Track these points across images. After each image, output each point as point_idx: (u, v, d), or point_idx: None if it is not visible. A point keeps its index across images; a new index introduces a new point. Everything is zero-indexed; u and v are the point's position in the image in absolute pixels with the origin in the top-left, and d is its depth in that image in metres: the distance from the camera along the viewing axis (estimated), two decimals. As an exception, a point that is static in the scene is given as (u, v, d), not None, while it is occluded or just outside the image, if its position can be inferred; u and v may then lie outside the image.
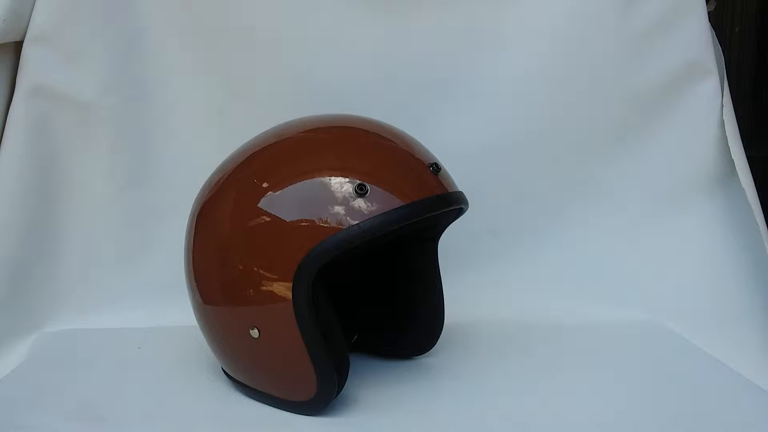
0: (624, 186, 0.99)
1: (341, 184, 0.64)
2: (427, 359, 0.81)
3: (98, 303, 0.92)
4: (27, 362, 0.81)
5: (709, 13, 0.97)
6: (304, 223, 0.63)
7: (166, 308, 0.92)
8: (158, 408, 0.70)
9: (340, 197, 0.63)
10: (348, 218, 0.62)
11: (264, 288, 0.64)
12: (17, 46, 0.89)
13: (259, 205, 0.65)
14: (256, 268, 0.64)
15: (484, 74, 0.97)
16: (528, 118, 0.97)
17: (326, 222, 0.63)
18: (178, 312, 0.91)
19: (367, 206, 0.63)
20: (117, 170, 0.94)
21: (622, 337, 0.88)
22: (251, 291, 0.65)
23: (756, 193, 0.94)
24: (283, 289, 0.63)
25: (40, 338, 0.87)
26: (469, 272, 0.96)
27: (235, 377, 0.73)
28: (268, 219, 0.65)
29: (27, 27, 0.88)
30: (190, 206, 0.96)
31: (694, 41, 0.95)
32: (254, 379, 0.70)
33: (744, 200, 0.93)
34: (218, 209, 0.69)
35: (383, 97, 0.94)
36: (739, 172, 0.94)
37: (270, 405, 0.69)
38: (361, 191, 0.63)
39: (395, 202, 0.64)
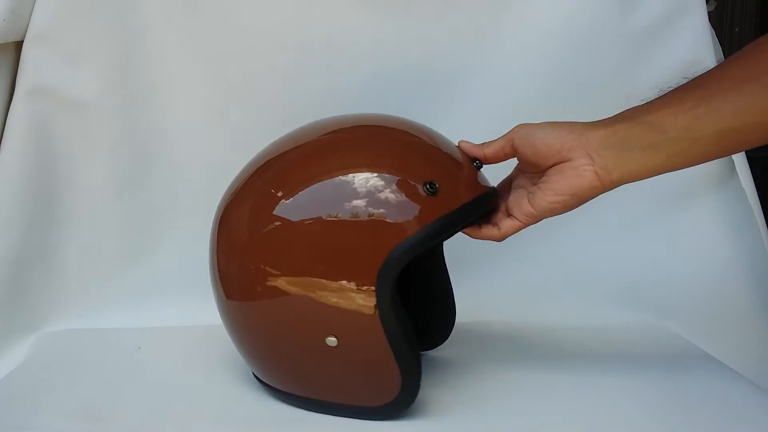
0: (623, 186, 0.99)
1: (410, 183, 0.63)
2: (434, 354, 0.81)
3: (98, 303, 0.92)
4: (27, 362, 0.81)
5: (709, 13, 0.97)
6: (379, 225, 0.62)
7: (167, 308, 0.92)
8: (158, 408, 0.70)
9: (413, 196, 0.62)
10: (425, 216, 0.62)
11: (344, 294, 0.61)
12: (17, 46, 0.89)
13: (332, 211, 0.63)
14: (334, 275, 0.62)
15: (484, 74, 0.97)
16: (528, 118, 0.97)
17: (402, 221, 0.62)
18: (179, 312, 0.92)
19: (439, 204, 0.63)
20: (117, 170, 0.94)
21: (622, 337, 0.88)
22: (332, 298, 0.62)
23: (756, 193, 0.94)
24: (365, 292, 0.61)
25: (40, 338, 0.87)
26: (470, 273, 0.96)
27: (286, 389, 0.69)
28: (341, 223, 0.62)
29: (27, 27, 0.88)
30: (190, 206, 0.97)
31: (694, 41, 0.95)
32: (320, 389, 0.67)
33: (744, 200, 0.93)
34: (301, 214, 0.64)
35: (383, 97, 0.95)
36: (739, 172, 0.94)
37: (336, 414, 0.67)
38: (431, 189, 0.63)
39: (462, 199, 0.64)
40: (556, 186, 0.64)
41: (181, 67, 0.95)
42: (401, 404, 0.65)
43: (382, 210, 0.62)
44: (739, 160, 0.94)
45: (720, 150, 0.62)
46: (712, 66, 0.89)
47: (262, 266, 0.64)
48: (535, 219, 0.67)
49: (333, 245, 0.62)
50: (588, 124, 0.65)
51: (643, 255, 0.98)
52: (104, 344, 0.86)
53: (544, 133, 0.65)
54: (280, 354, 0.67)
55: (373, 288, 0.60)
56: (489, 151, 0.70)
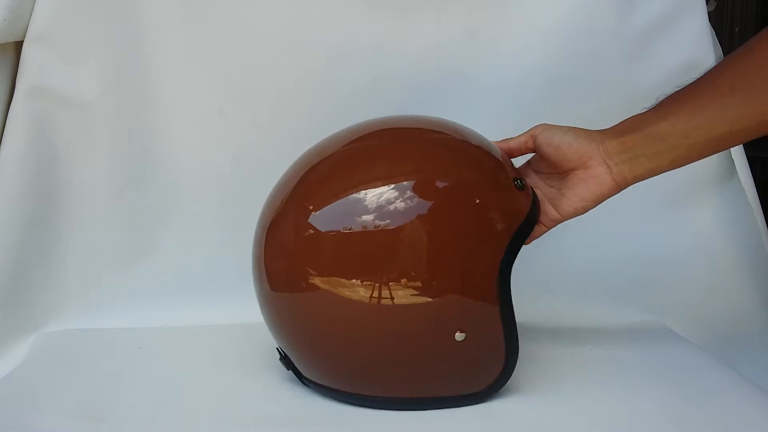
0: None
1: (509, 180, 0.68)
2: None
3: (98, 303, 0.92)
4: (27, 362, 0.81)
5: (709, 13, 0.97)
6: (495, 219, 0.66)
7: (167, 308, 0.92)
8: (158, 408, 0.70)
9: (514, 191, 0.68)
10: (524, 208, 0.68)
11: (470, 288, 0.65)
12: (17, 46, 0.89)
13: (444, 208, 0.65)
14: (458, 272, 0.64)
15: (484, 74, 0.97)
16: (528, 118, 0.96)
17: (513, 213, 0.67)
18: (179, 312, 0.92)
19: (526, 197, 0.69)
20: (117, 170, 0.94)
21: (622, 337, 0.88)
22: (459, 294, 0.65)
23: (756, 193, 0.94)
24: (488, 283, 0.65)
25: (40, 338, 0.87)
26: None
27: (350, 389, 0.69)
28: (460, 218, 0.65)
29: (27, 27, 0.88)
30: (190, 206, 0.97)
31: (694, 41, 0.95)
32: (416, 386, 0.68)
33: (744, 200, 0.93)
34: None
35: (383, 97, 0.95)
36: (739, 172, 0.94)
37: (429, 409, 0.68)
38: (521, 184, 0.69)
39: (531, 194, 0.70)
40: (581, 193, 0.70)
41: (181, 67, 0.95)
42: (498, 385, 0.69)
43: (495, 204, 0.66)
44: (739, 160, 0.95)
45: (716, 149, 0.69)
46: (712, 66, 0.90)
47: (376, 277, 0.64)
48: (559, 222, 0.73)
49: (453, 239, 0.64)
50: (601, 134, 0.70)
51: (643, 255, 0.98)
52: (104, 344, 0.86)
53: (568, 137, 0.70)
54: (377, 356, 0.66)
55: (496, 277, 0.65)
56: (513, 145, 0.73)
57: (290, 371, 0.73)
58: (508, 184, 0.68)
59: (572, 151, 0.69)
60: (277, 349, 0.73)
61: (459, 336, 0.65)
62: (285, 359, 0.72)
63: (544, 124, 0.73)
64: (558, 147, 0.70)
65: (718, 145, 0.68)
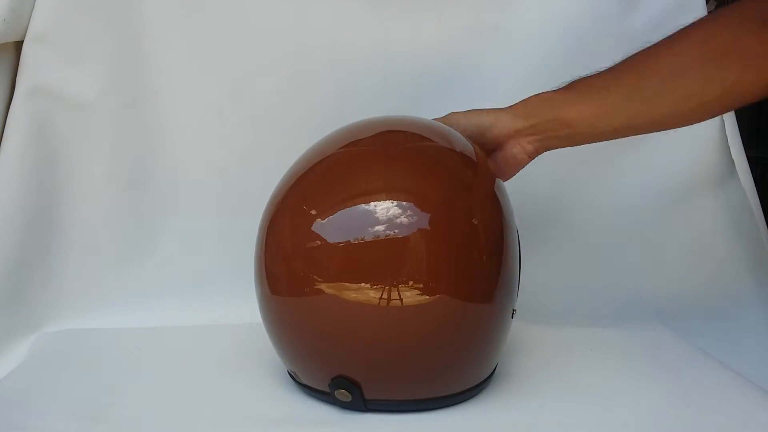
0: (624, 186, 0.99)
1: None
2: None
3: (98, 303, 0.92)
4: (27, 362, 0.81)
5: (709, 12, 0.97)
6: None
7: (167, 308, 0.92)
8: (158, 408, 0.70)
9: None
10: None
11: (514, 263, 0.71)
12: (17, 46, 0.89)
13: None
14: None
15: (484, 74, 0.97)
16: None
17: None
18: (179, 312, 0.92)
19: None
20: (117, 170, 0.94)
21: (622, 337, 0.88)
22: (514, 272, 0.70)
23: (756, 193, 0.94)
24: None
25: (40, 338, 0.87)
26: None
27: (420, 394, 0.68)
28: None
29: (27, 27, 0.88)
30: (190, 206, 0.97)
31: (694, 41, 0.95)
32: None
33: (744, 200, 0.93)
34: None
35: (383, 97, 0.95)
36: (739, 172, 0.94)
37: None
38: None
39: None
40: (507, 173, 0.76)
41: (181, 67, 0.95)
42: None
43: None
44: (739, 160, 0.95)
45: (615, 137, 0.74)
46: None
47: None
48: None
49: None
50: (510, 114, 0.74)
51: (643, 254, 0.98)
52: (104, 344, 0.86)
53: (488, 119, 0.73)
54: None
55: None
56: None
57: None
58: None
59: (492, 134, 0.73)
60: (333, 387, 0.68)
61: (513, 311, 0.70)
62: (347, 389, 0.67)
63: (453, 112, 0.75)
64: (482, 132, 0.73)
65: (617, 135, 0.73)
